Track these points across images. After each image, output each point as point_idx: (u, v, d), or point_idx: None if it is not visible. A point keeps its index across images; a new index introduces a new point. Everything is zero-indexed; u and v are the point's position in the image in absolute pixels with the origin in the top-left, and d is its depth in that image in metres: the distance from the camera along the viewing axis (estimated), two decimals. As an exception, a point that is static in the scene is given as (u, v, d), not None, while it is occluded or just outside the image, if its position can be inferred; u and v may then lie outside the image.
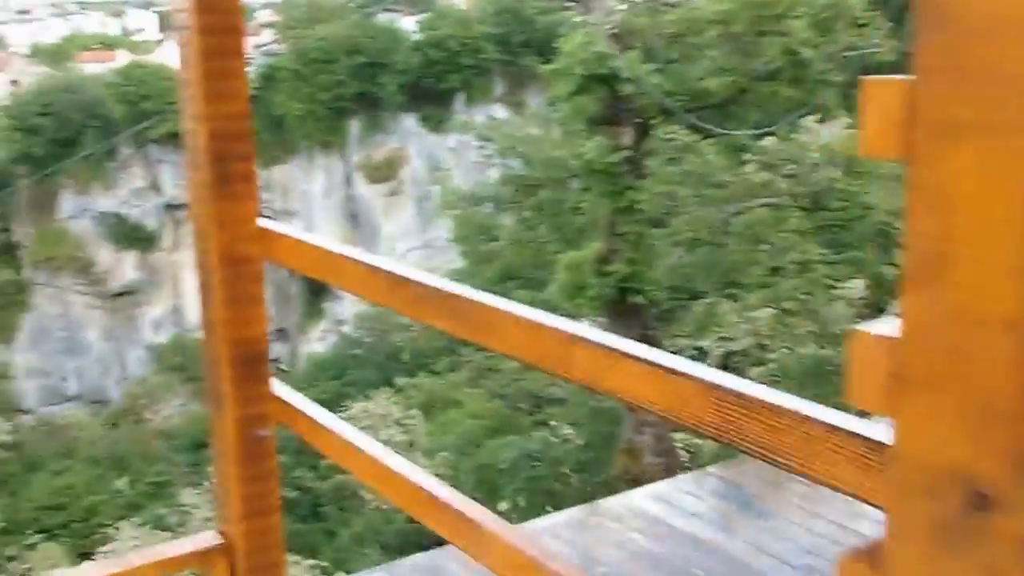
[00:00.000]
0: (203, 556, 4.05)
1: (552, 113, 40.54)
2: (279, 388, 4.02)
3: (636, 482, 28.09)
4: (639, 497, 10.45)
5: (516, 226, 37.94)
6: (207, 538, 4.07)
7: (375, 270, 3.13)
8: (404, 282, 3.00)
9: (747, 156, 29.68)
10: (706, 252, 30.15)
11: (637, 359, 2.25)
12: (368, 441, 3.62)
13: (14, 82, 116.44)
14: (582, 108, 27.85)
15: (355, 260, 3.26)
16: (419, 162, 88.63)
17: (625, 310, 28.81)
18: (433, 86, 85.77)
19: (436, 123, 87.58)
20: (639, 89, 26.52)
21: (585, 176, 28.63)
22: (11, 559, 63.56)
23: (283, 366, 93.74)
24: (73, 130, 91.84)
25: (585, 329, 2.45)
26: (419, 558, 10.62)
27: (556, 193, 35.53)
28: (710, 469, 11.99)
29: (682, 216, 28.91)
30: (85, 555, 58.11)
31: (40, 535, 63.44)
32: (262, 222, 3.89)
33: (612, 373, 2.29)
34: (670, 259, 30.14)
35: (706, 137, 29.32)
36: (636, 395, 2.26)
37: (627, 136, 28.14)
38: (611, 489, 36.54)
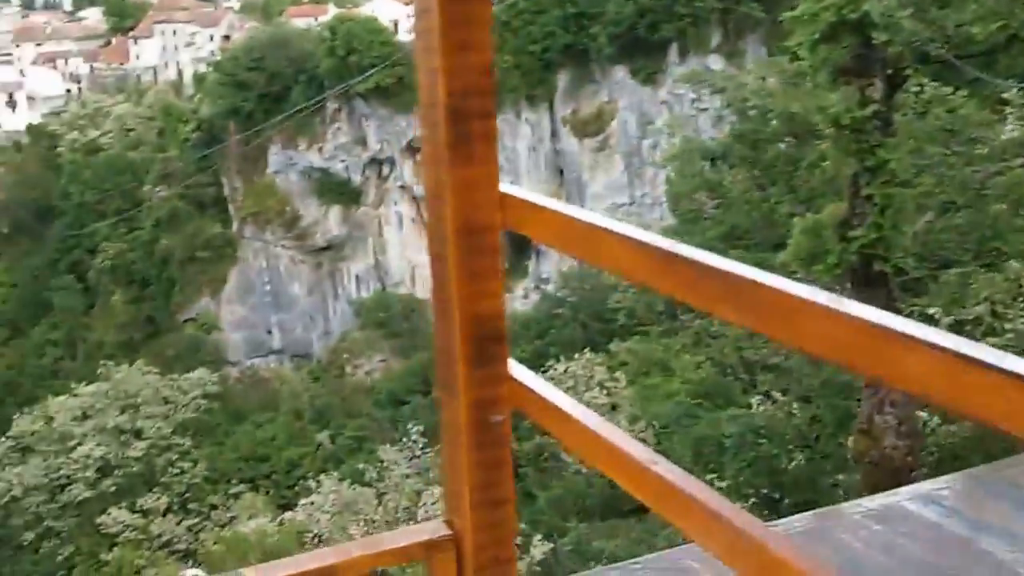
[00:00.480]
0: (429, 547, 3.82)
1: (783, 64, 37.67)
2: (517, 369, 3.69)
3: (875, 466, 24.58)
4: (903, 497, 9.24)
5: (744, 184, 35.85)
6: (433, 528, 3.86)
7: (644, 246, 2.90)
8: (680, 261, 2.75)
9: (1008, 110, 26.94)
10: (961, 216, 27.83)
11: (999, 370, 1.87)
12: (616, 433, 3.32)
13: (226, 37, 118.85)
14: (827, 58, 25.12)
15: (618, 234, 3.01)
16: (629, 116, 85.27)
17: (868, 279, 25.94)
18: (646, 37, 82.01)
19: (648, 75, 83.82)
20: (892, 36, 23.66)
21: (830, 132, 25.81)
22: (214, 508, 64.44)
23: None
24: (282, 85, 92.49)
25: (920, 328, 2.07)
26: (652, 558, 9.13)
27: (792, 150, 32.90)
28: (983, 468, 10.58)
29: (932, 176, 26.45)
30: (285, 506, 57.93)
31: (243, 485, 64.22)
32: (504, 187, 3.65)
33: (966, 388, 1.93)
34: (919, 223, 27.51)
35: (957, 89, 26.84)
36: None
37: (876, 89, 25.15)
38: (842, 471, 33.06)
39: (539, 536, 39.93)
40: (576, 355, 54.14)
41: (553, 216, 3.47)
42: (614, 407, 49.50)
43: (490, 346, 3.63)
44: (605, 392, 50.48)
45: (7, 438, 70.15)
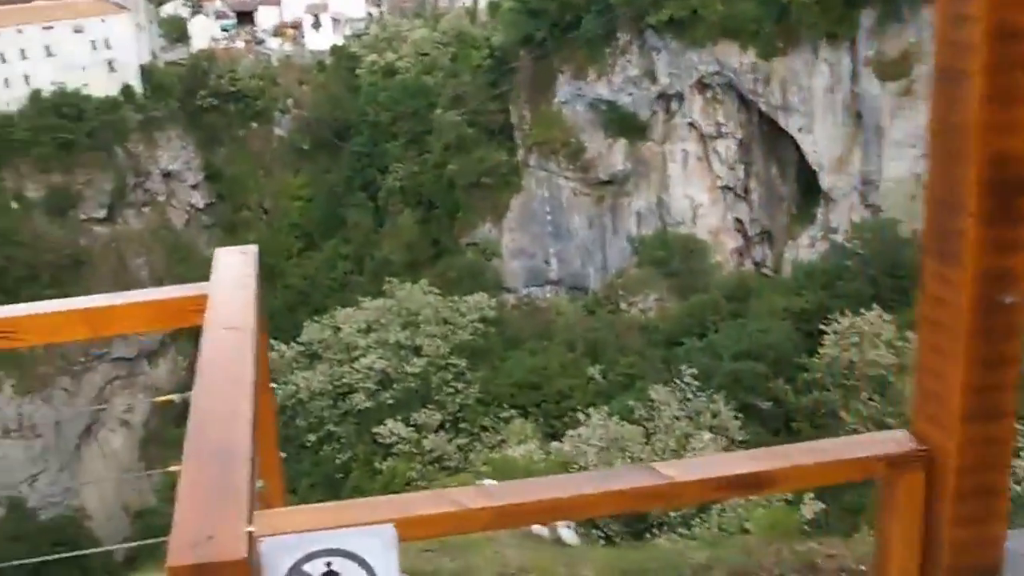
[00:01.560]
0: (892, 463, 3.05)
1: None
2: None
3: None
4: None
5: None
6: (899, 440, 3.08)
7: None
8: None
9: None
10: None
11: None
12: None
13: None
14: None
15: None
16: (940, 57, 79.29)
17: None
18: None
19: (966, 13, 77.59)
20: None
21: None
22: (484, 429, 65.39)
23: (766, 270, 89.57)
24: (574, 14, 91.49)
25: None
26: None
27: None
28: None
29: None
30: (553, 435, 57.98)
31: (513, 410, 64.72)
32: None
33: None
34: None
35: None
36: None
37: None
38: None
39: (809, 494, 37.86)
40: (863, 310, 51.04)
41: None
42: (902, 368, 46.64)
43: (1015, 198, 2.72)
44: (892, 352, 47.67)
45: (297, 343, 73.66)
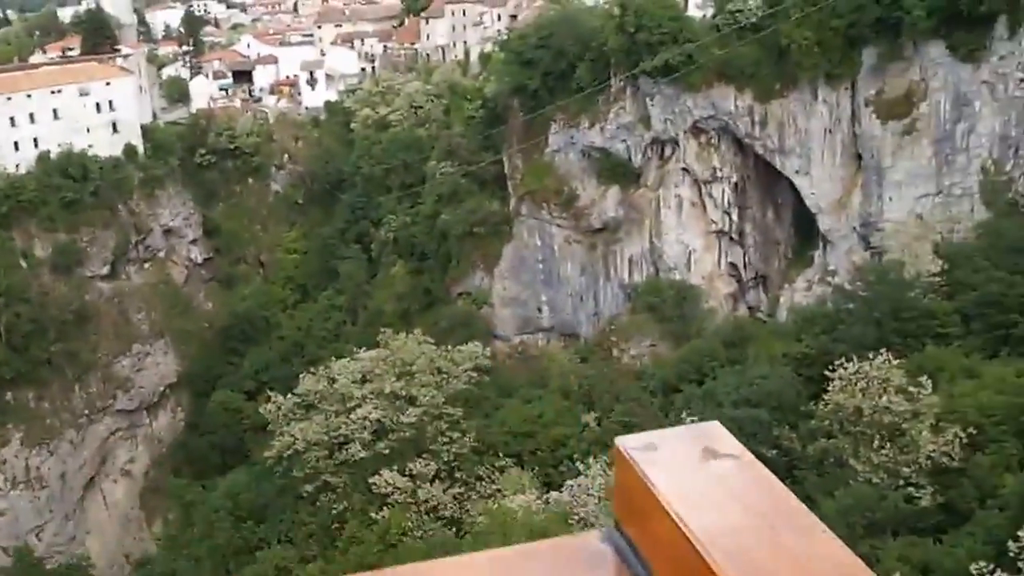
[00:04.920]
0: None
1: None
2: None
3: None
4: None
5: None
6: None
7: None
8: None
9: None
10: None
11: None
12: None
13: (513, 17, 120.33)
14: None
15: None
16: (942, 96, 79.17)
17: None
18: (969, 8, 75.40)
19: (968, 52, 77.73)
20: None
21: None
22: (480, 479, 65.19)
23: (761, 315, 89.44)
24: (567, 63, 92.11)
25: None
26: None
27: None
28: None
29: None
30: (549, 485, 57.83)
31: (509, 459, 64.54)
32: None
33: None
34: None
35: None
36: None
37: None
38: None
39: None
40: (869, 355, 50.08)
41: None
42: (915, 415, 46.20)
43: None
44: (905, 397, 46.87)
45: (294, 395, 73.79)
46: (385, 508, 62.43)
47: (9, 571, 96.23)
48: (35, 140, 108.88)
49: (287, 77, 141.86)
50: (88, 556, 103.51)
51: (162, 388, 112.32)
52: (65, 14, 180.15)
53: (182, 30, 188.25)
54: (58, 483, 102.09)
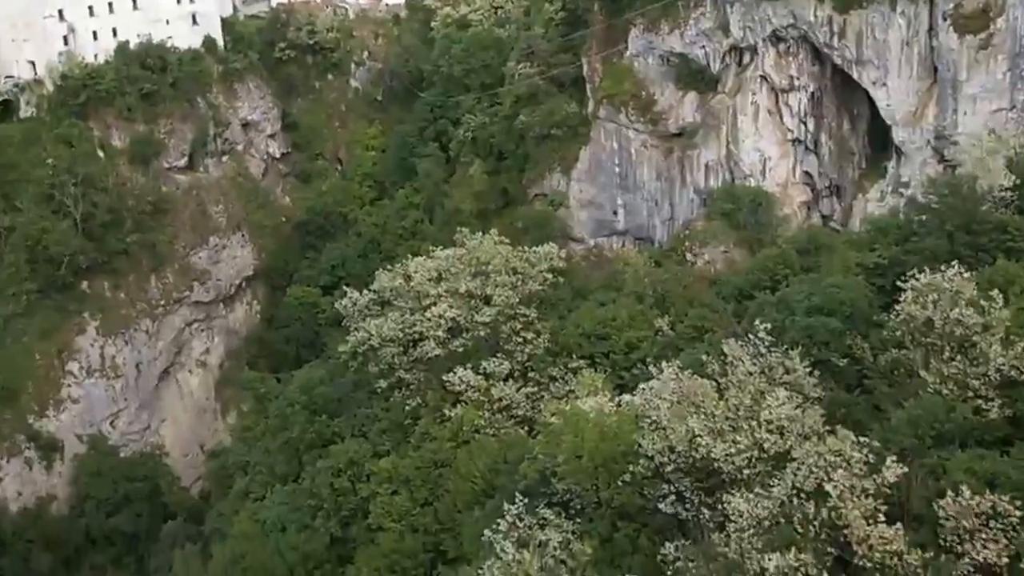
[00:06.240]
0: None
1: None
2: None
3: None
4: None
5: None
6: None
7: None
8: None
9: None
10: None
11: None
12: None
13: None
14: None
15: None
16: (1019, 12, 77.87)
17: None
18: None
19: (1048, -35, 75.86)
20: None
21: None
22: (553, 379, 66.02)
23: (834, 224, 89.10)
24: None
25: None
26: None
27: None
28: None
29: None
30: (622, 387, 58.45)
31: (582, 361, 65.15)
32: None
33: None
34: None
35: None
36: None
37: None
38: None
39: (892, 457, 37.70)
40: (941, 267, 49.77)
41: None
42: (985, 327, 46.04)
43: None
44: (976, 310, 46.62)
45: (369, 291, 74.88)
46: (458, 405, 63.40)
47: (84, 458, 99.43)
48: (114, 30, 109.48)
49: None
50: (162, 445, 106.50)
51: (239, 281, 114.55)
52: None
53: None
54: (133, 373, 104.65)
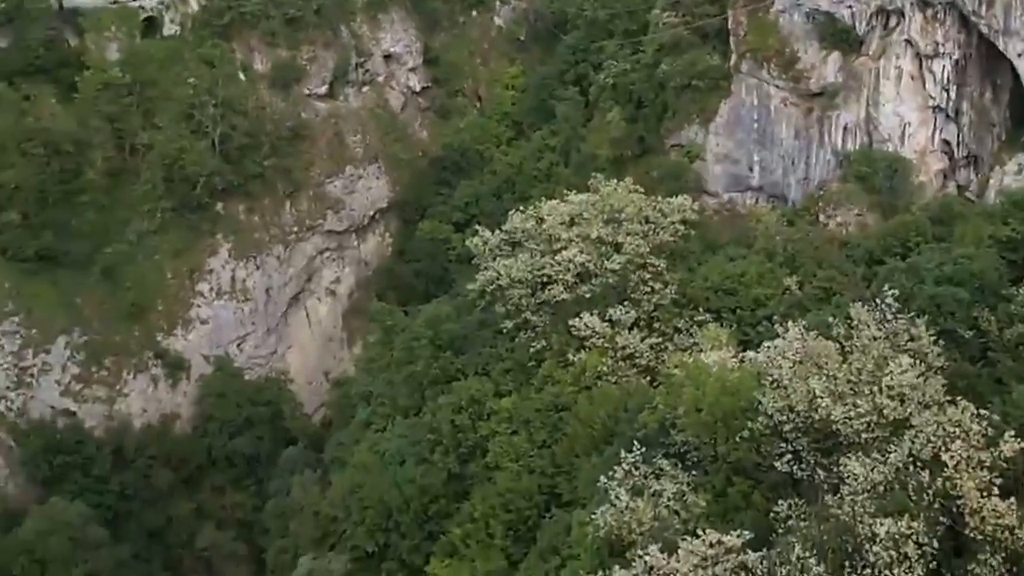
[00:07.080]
0: None
1: None
2: None
3: None
4: None
5: None
6: None
7: None
8: None
9: None
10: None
11: None
12: None
13: None
14: None
15: None
16: None
17: None
18: None
19: None
20: None
21: None
22: (678, 331, 66.93)
23: (970, 195, 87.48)
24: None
25: None
26: None
27: None
28: None
29: None
30: (746, 343, 59.22)
31: (708, 314, 65.90)
32: None
33: None
34: None
35: None
36: None
37: None
38: None
39: (1011, 431, 38.03)
40: None
41: None
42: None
43: None
44: None
45: (501, 231, 76.27)
46: (583, 351, 64.53)
47: (209, 379, 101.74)
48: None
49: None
50: (287, 371, 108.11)
51: (372, 212, 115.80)
52: None
53: None
54: (263, 297, 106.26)
